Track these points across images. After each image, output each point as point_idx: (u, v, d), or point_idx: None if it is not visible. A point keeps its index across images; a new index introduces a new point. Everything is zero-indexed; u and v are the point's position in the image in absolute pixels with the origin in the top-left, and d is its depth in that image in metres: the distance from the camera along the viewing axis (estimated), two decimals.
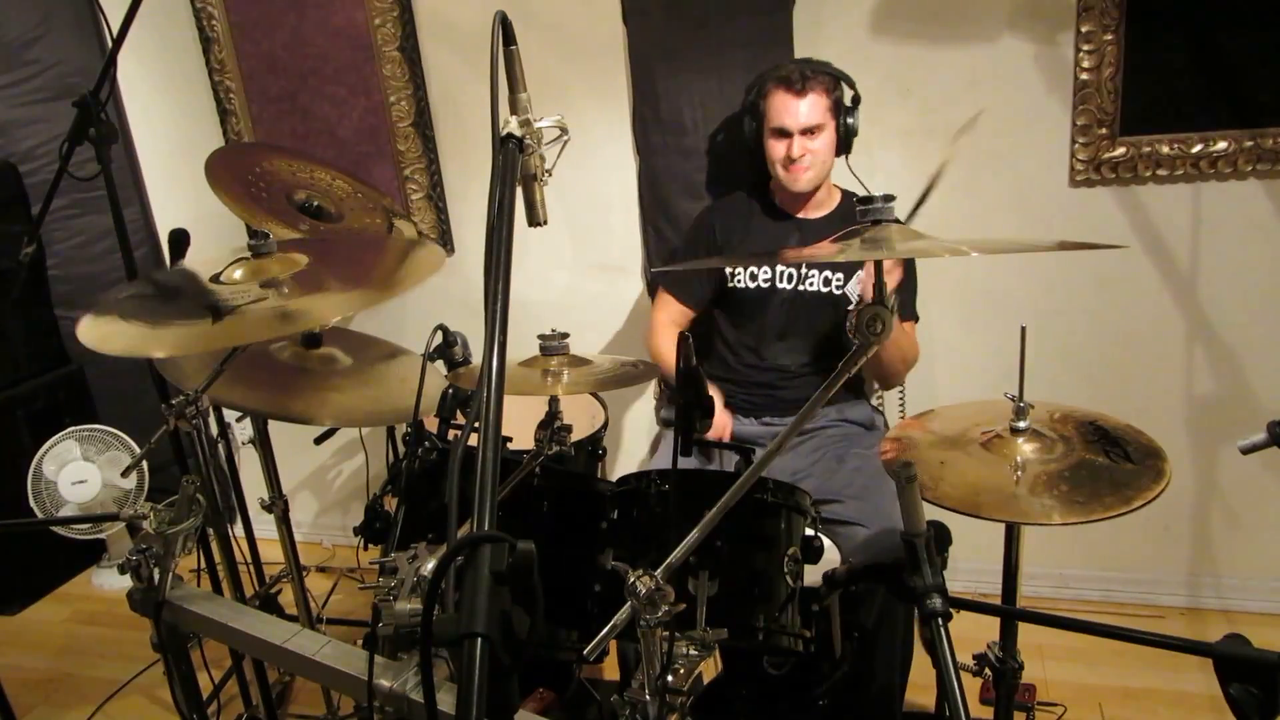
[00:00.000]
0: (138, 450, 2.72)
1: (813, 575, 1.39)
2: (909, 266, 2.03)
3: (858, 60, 2.20)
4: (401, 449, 1.63)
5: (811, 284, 2.05)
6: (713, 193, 2.36)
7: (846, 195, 2.13)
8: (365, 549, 1.65)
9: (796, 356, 2.08)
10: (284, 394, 1.83)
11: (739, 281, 2.08)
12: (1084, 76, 2.11)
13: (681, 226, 2.37)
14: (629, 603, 1.09)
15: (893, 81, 2.23)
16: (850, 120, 2.01)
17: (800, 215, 2.09)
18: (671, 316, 2.19)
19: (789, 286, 2.06)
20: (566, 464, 1.62)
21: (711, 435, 1.90)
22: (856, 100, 2.04)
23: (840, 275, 2.03)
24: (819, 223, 2.07)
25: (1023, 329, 1.40)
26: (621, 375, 1.50)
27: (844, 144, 2.03)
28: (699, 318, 2.20)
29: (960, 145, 2.25)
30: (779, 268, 2.06)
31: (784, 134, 1.98)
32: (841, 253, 1.01)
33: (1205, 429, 2.31)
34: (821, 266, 2.04)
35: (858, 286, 1.99)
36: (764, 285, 2.07)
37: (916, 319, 2.11)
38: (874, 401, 2.23)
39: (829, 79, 1.98)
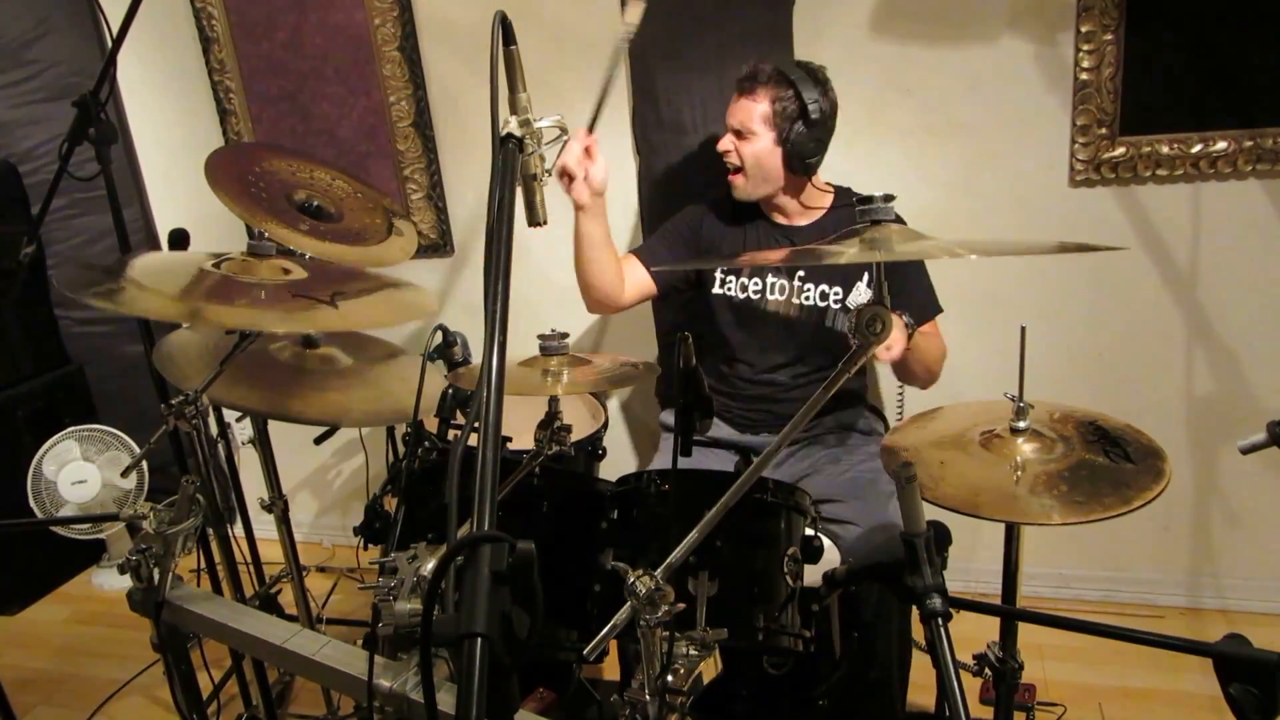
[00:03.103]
0: (138, 450, 2.72)
1: (813, 575, 1.39)
2: (915, 262, 1.96)
3: (858, 60, 2.20)
4: (401, 449, 1.63)
5: (807, 297, 1.97)
6: (713, 193, 2.35)
7: (838, 203, 2.01)
8: (365, 549, 1.65)
9: (791, 370, 2.02)
10: (284, 394, 1.83)
11: (729, 290, 2.02)
12: (1084, 76, 2.11)
13: None
14: (629, 603, 1.09)
15: (893, 81, 2.23)
16: (799, 132, 1.84)
17: (786, 224, 2.01)
18: (629, 273, 2.05)
19: (781, 298, 1.99)
20: (566, 464, 1.62)
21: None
22: (816, 113, 1.83)
23: (838, 289, 1.95)
24: (808, 231, 1.99)
25: (1023, 329, 1.40)
26: (621, 375, 1.50)
27: (791, 160, 1.87)
28: (664, 297, 2.11)
29: (960, 145, 2.25)
30: (770, 278, 1.99)
31: (726, 130, 1.94)
32: (837, 256, 1.01)
33: (1205, 429, 2.31)
34: (817, 280, 1.96)
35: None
36: (754, 296, 2.00)
37: (939, 311, 1.99)
38: (872, 402, 2.22)
39: (782, 87, 1.84)
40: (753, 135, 1.88)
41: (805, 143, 1.86)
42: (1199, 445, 2.33)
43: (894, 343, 1.68)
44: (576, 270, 1.95)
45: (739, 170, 1.93)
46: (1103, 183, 2.19)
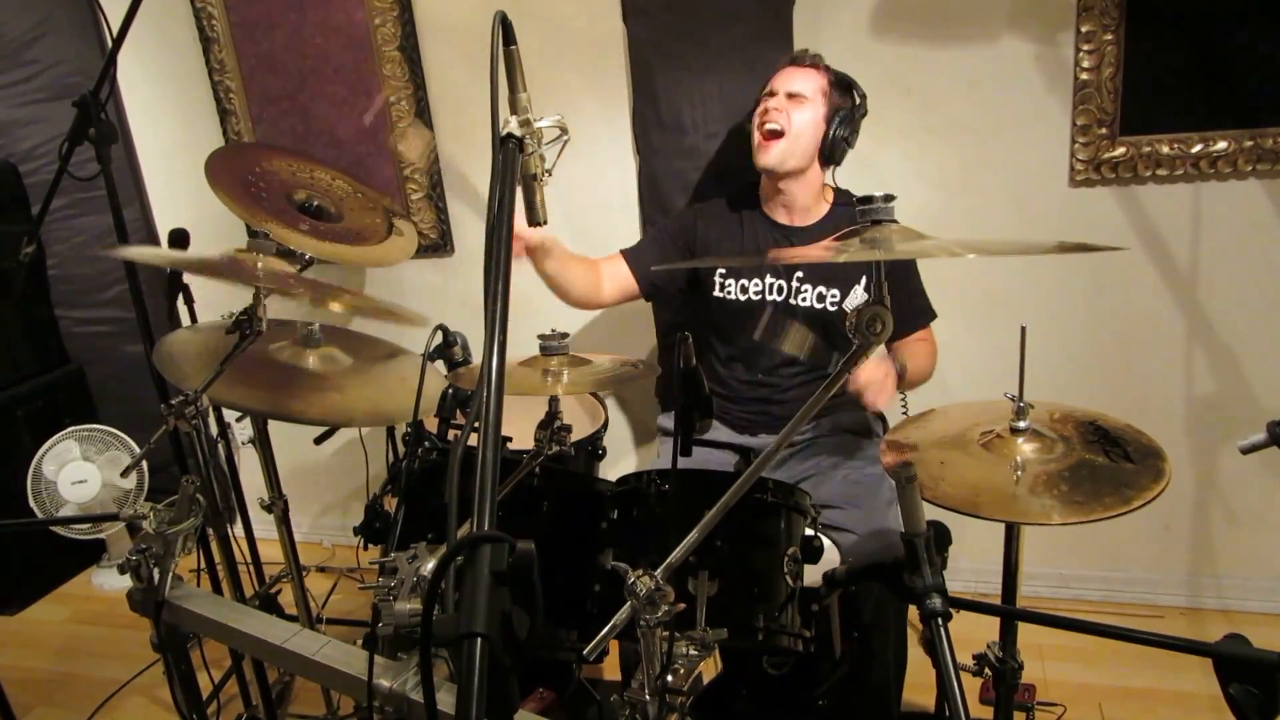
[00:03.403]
0: (138, 450, 2.72)
1: (813, 575, 1.39)
2: (909, 266, 1.98)
3: (858, 60, 2.19)
4: (401, 449, 1.63)
5: (804, 299, 1.97)
6: (713, 193, 2.35)
7: (838, 205, 2.03)
8: (365, 549, 1.66)
9: (789, 371, 2.02)
10: (284, 394, 1.83)
11: (727, 293, 2.01)
12: (1084, 76, 2.11)
13: None
14: (629, 603, 1.09)
15: (893, 81, 2.22)
16: (840, 127, 1.92)
17: (788, 223, 2.01)
18: (614, 271, 2.09)
19: (779, 299, 1.99)
20: (566, 464, 1.62)
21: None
22: (856, 113, 1.95)
23: (835, 291, 1.95)
24: (809, 231, 1.99)
25: (1023, 329, 1.40)
26: (621, 375, 1.50)
27: (828, 148, 1.93)
28: (649, 298, 2.15)
29: (960, 145, 2.25)
30: (768, 280, 1.99)
31: (769, 95, 1.94)
32: (839, 254, 1.01)
33: (1205, 429, 2.31)
34: (815, 281, 1.96)
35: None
36: (754, 298, 2.00)
37: (934, 315, 2.02)
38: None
39: (838, 77, 1.95)
40: (807, 101, 1.91)
41: (845, 133, 1.93)
42: (1199, 445, 2.33)
43: (881, 390, 1.75)
44: (552, 290, 2.01)
45: (777, 135, 1.91)
46: (1103, 183, 2.19)
